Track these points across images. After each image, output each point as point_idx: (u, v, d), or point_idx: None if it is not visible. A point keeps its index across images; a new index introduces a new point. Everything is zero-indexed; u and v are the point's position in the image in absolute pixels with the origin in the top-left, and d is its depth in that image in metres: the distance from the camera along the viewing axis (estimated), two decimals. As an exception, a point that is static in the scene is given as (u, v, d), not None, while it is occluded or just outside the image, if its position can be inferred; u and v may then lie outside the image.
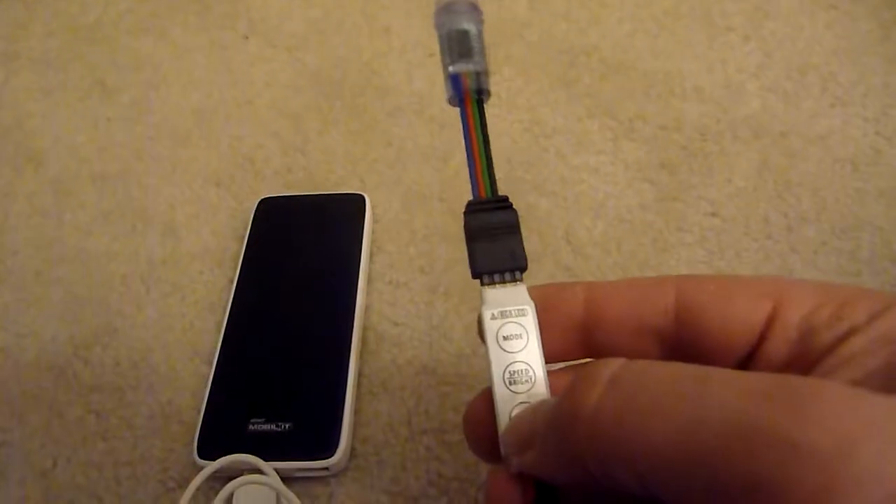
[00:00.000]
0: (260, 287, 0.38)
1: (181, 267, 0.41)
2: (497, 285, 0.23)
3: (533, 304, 0.22)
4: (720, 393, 0.15)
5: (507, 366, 0.22)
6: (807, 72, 0.46)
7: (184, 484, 0.32)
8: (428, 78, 0.49)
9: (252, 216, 0.41)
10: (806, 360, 0.19)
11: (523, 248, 0.23)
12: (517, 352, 0.22)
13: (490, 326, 0.22)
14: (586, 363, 0.21)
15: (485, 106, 0.23)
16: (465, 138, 0.23)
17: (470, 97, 0.23)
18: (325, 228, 0.40)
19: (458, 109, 0.23)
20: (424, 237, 0.40)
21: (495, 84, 0.48)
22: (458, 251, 0.40)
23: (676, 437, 0.15)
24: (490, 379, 0.22)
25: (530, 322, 0.22)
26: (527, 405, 0.21)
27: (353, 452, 0.33)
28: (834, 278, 0.37)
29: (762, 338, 0.20)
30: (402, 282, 0.39)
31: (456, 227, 0.41)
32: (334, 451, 0.31)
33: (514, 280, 0.23)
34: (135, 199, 0.44)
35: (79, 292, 0.40)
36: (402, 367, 0.36)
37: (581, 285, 0.23)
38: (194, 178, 0.45)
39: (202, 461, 0.32)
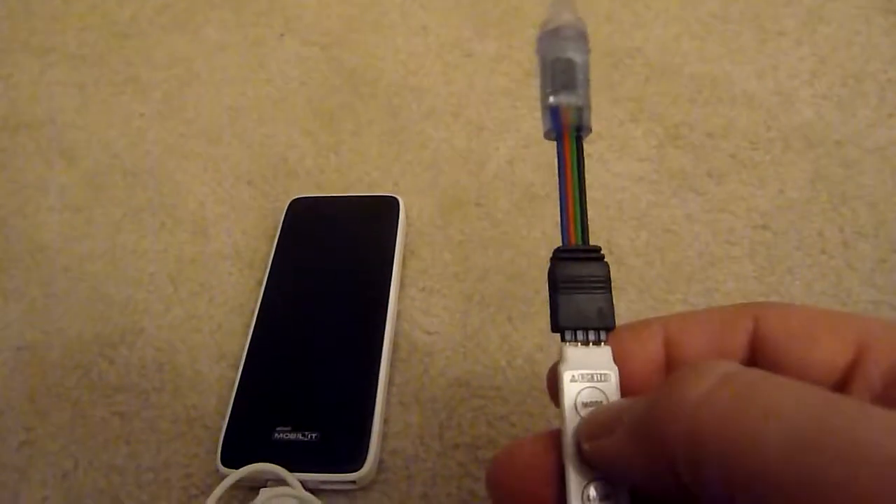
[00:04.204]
0: (289, 290, 0.37)
1: (210, 267, 0.40)
2: (579, 344, 0.21)
3: (617, 370, 0.20)
4: (863, 425, 0.13)
5: None
6: (863, 79, 0.44)
7: (206, 491, 0.32)
8: (465, 79, 0.48)
9: (283, 216, 0.40)
10: None
11: (613, 305, 0.21)
12: None
13: (569, 390, 0.20)
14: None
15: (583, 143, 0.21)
16: (559, 177, 0.21)
17: (569, 133, 0.21)
18: (358, 231, 0.39)
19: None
20: (460, 243, 0.39)
21: (535, 86, 0.47)
22: (495, 258, 0.39)
23: (799, 454, 0.13)
24: (563, 448, 0.20)
25: (613, 389, 0.20)
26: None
27: (381, 466, 0.32)
28: (893, 298, 0.35)
29: (843, 386, 0.18)
30: (435, 289, 0.37)
31: (493, 234, 0.39)
32: (362, 464, 0.30)
33: (598, 340, 0.21)
34: (165, 196, 0.44)
35: (106, 290, 0.40)
36: (435, 377, 0.34)
37: (657, 324, 0.21)
38: (226, 176, 0.44)
39: (225, 469, 0.31)
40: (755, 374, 0.16)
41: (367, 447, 0.31)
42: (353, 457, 0.30)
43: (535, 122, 0.44)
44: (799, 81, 0.45)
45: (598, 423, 0.19)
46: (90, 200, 0.44)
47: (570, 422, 0.20)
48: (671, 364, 0.21)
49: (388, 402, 0.33)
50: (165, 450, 0.33)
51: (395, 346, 0.35)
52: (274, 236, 0.39)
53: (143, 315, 0.38)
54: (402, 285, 0.38)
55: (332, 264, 0.38)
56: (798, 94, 0.44)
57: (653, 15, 0.50)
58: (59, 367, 0.37)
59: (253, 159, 0.45)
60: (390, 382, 0.34)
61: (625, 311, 0.35)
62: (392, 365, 0.35)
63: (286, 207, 0.40)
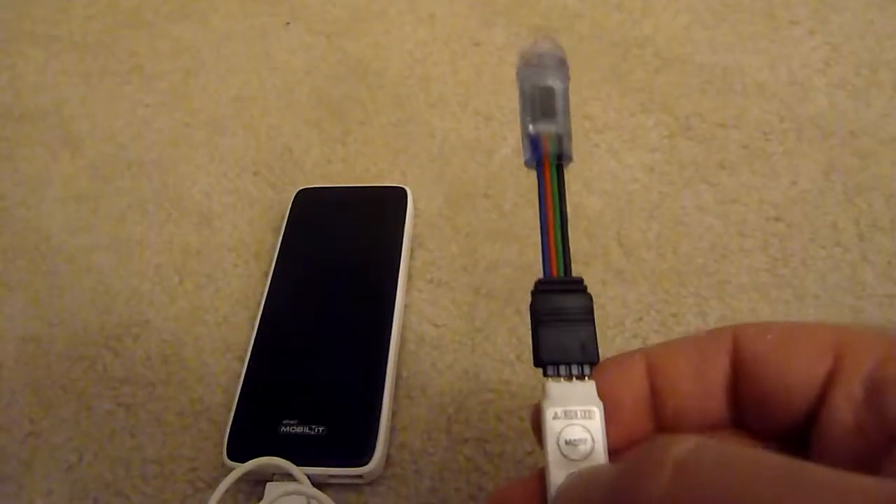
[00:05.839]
0: (295, 281, 0.37)
1: (216, 258, 0.40)
2: (562, 379, 0.20)
3: (602, 406, 0.20)
4: (829, 500, 0.13)
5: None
6: (878, 68, 0.44)
7: (212, 484, 0.31)
8: (473, 68, 0.47)
9: (289, 207, 0.40)
10: (880, 426, 0.17)
11: (596, 339, 0.20)
12: (580, 460, 0.19)
13: (551, 427, 0.19)
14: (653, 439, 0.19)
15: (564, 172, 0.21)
16: (539, 207, 0.21)
17: (549, 162, 0.21)
18: (365, 222, 0.39)
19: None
20: (468, 234, 0.39)
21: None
22: (504, 251, 0.38)
23: None
24: (547, 488, 0.19)
25: (597, 427, 0.19)
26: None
27: (388, 460, 0.31)
28: (908, 291, 0.34)
29: (825, 396, 0.18)
30: (443, 281, 0.37)
31: (501, 225, 0.39)
32: (369, 459, 0.30)
33: (581, 375, 0.20)
34: (170, 186, 0.43)
35: (111, 281, 0.39)
36: (443, 371, 0.34)
37: (639, 355, 0.21)
38: (231, 166, 0.44)
39: (231, 462, 0.30)
40: (710, 457, 0.15)
41: (375, 441, 0.30)
42: (360, 451, 0.30)
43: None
44: (812, 71, 0.44)
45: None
46: (95, 191, 0.44)
47: (554, 462, 0.19)
48: (656, 393, 0.20)
49: (395, 396, 0.33)
50: (171, 442, 0.33)
51: (403, 339, 0.35)
52: (280, 228, 0.39)
53: (148, 307, 0.38)
54: (409, 277, 0.37)
55: (338, 256, 0.37)
56: (811, 84, 0.43)
57: (663, 4, 0.49)
58: (63, 359, 0.36)
59: (259, 150, 0.45)
60: (398, 376, 0.34)
61: (635, 303, 0.35)
62: (399, 358, 0.34)
63: (292, 198, 0.40)
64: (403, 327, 0.35)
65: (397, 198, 0.39)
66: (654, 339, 0.34)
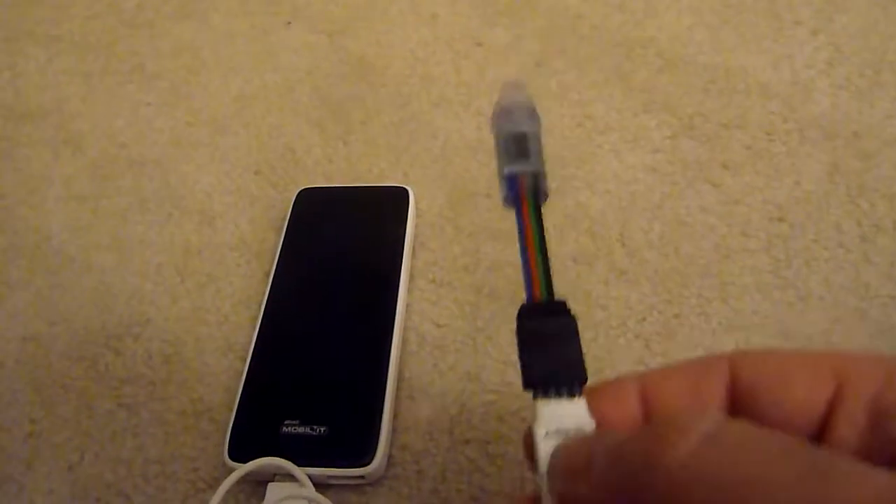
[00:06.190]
0: (297, 281, 0.37)
1: (217, 258, 0.40)
2: (552, 399, 0.20)
3: (594, 423, 0.20)
4: (847, 488, 0.13)
5: None
6: (881, 69, 0.43)
7: (213, 485, 0.31)
8: (476, 68, 0.47)
9: (291, 207, 0.39)
10: (884, 451, 0.17)
11: (583, 357, 0.20)
12: None
13: (544, 447, 0.19)
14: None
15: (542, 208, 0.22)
16: (519, 241, 0.22)
17: (527, 199, 0.22)
18: (366, 222, 0.38)
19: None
20: (470, 234, 0.39)
21: (546, 76, 0.46)
22: (505, 251, 0.38)
23: None
24: None
25: None
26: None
27: (390, 460, 0.31)
28: (912, 292, 0.34)
29: (827, 423, 0.18)
30: (445, 281, 0.37)
31: (503, 225, 0.39)
32: (371, 459, 0.30)
33: (571, 394, 0.20)
34: (172, 186, 0.43)
35: (112, 281, 0.39)
36: (445, 371, 0.34)
37: (631, 380, 0.21)
38: (233, 166, 0.44)
39: (233, 462, 0.30)
40: (737, 433, 0.15)
41: (376, 442, 0.30)
42: (361, 451, 0.30)
43: (544, 111, 0.43)
44: (815, 71, 0.44)
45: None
46: (96, 190, 0.44)
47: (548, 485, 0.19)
48: (648, 418, 0.20)
49: (397, 396, 0.33)
50: (172, 442, 0.33)
51: (405, 339, 0.35)
52: (282, 227, 0.39)
53: (149, 306, 0.38)
54: (411, 277, 0.37)
55: (340, 256, 0.37)
56: (814, 85, 0.43)
57: (665, 4, 0.49)
58: (65, 359, 0.36)
59: (260, 149, 0.45)
60: (400, 376, 0.34)
61: (638, 303, 0.35)
62: (401, 358, 0.34)
63: (294, 198, 0.40)
64: (405, 327, 0.35)
65: (399, 198, 0.39)
66: (657, 340, 0.34)
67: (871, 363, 0.18)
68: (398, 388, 0.33)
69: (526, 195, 0.22)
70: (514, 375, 0.33)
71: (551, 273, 0.21)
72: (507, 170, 0.22)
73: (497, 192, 0.40)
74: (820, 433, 0.18)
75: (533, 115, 0.23)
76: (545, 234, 0.22)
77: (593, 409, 0.20)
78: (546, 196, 0.22)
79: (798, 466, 0.14)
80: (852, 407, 0.18)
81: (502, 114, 0.23)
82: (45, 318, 0.38)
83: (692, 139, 0.41)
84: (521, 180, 0.22)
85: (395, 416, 0.32)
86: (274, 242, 0.39)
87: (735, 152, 0.40)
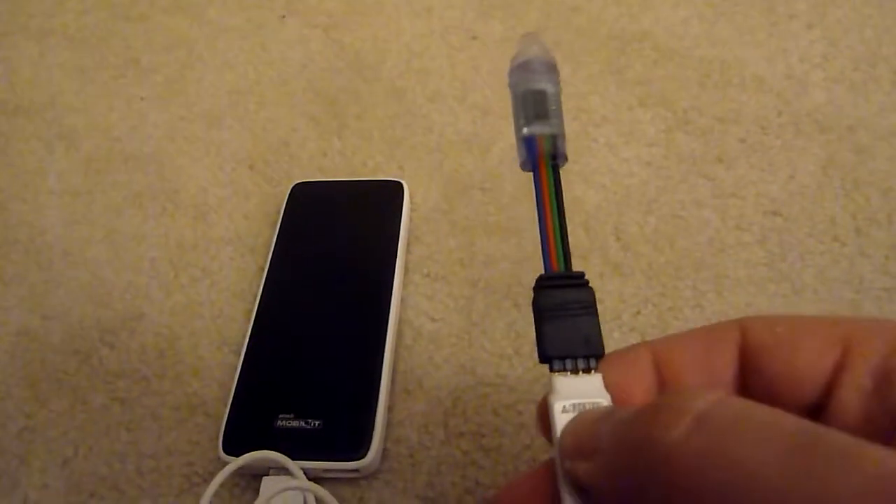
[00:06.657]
0: (292, 275, 0.37)
1: (211, 252, 0.39)
2: (569, 373, 0.20)
3: (609, 398, 0.20)
4: (843, 471, 0.13)
5: None
6: (876, 63, 0.43)
7: (208, 479, 0.31)
8: (471, 62, 0.47)
9: (285, 201, 0.39)
10: (888, 415, 0.17)
11: (600, 331, 0.20)
12: None
13: (560, 420, 0.19)
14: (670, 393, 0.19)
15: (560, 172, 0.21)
16: (538, 207, 0.21)
17: (545, 162, 0.21)
18: (361, 216, 0.38)
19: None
20: (465, 228, 0.38)
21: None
22: (501, 245, 0.38)
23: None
24: (559, 481, 0.19)
25: None
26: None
27: (385, 454, 0.31)
28: (906, 285, 0.34)
29: (833, 387, 0.18)
30: (440, 275, 0.37)
31: (498, 219, 0.39)
32: (366, 453, 0.30)
33: (588, 368, 0.20)
34: (166, 180, 0.43)
35: (106, 275, 0.39)
36: (440, 365, 0.34)
37: (644, 348, 0.21)
38: (227, 160, 0.44)
39: (227, 456, 0.30)
40: (729, 412, 0.15)
41: (371, 435, 0.30)
42: (356, 445, 0.30)
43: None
44: (810, 65, 0.44)
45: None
46: (90, 185, 0.44)
47: None
48: (663, 386, 0.20)
49: (391, 390, 0.33)
50: (167, 437, 0.33)
51: (399, 333, 0.35)
52: (276, 221, 0.39)
53: (143, 300, 0.38)
54: (406, 271, 0.37)
55: (335, 250, 0.37)
56: (809, 78, 0.43)
57: (661, -3, 0.49)
58: (59, 353, 0.36)
59: (254, 143, 0.44)
60: (394, 370, 0.34)
61: (632, 297, 0.35)
62: (396, 352, 0.34)
63: (288, 192, 0.40)
64: (400, 321, 0.35)
65: (394, 191, 0.39)
66: (652, 333, 0.34)
67: (880, 329, 0.18)
68: (393, 382, 0.33)
69: (544, 159, 0.21)
70: (509, 368, 0.33)
71: (569, 242, 0.21)
72: (525, 131, 0.21)
73: (492, 186, 0.40)
74: (826, 396, 0.18)
75: (553, 70, 0.21)
76: (563, 201, 0.21)
77: (608, 379, 0.20)
78: (566, 159, 0.21)
79: (791, 443, 0.14)
80: (858, 371, 0.18)
81: (520, 69, 0.21)
82: (38, 312, 0.38)
83: (687, 133, 0.41)
84: (540, 143, 0.21)
85: (390, 409, 0.32)
86: (268, 236, 0.39)
87: (730, 146, 0.40)
